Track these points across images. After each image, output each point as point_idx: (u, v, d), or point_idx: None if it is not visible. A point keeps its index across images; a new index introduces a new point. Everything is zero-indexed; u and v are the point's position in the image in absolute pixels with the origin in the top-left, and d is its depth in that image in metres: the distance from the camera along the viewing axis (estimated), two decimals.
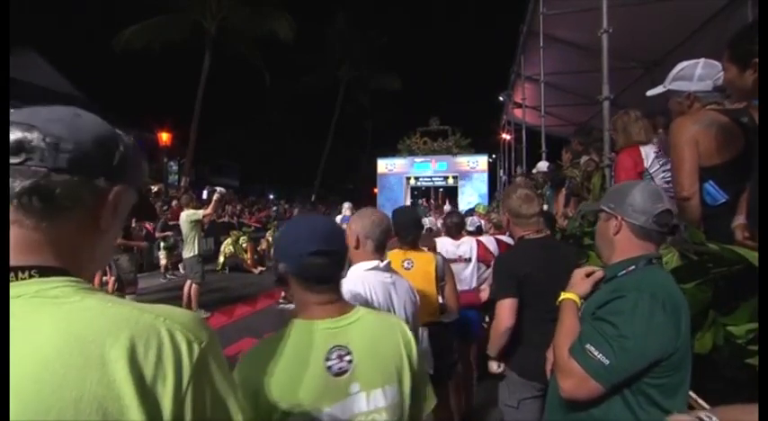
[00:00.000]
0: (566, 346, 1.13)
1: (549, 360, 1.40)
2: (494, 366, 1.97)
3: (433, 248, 3.07)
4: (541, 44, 5.27)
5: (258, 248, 10.41)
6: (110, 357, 0.42)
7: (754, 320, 1.17)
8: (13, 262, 0.47)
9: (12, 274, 0.46)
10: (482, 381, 3.35)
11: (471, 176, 16.47)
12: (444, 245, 3.23)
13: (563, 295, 1.30)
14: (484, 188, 16.20)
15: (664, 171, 2.37)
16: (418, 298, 1.74)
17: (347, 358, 0.98)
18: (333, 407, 0.94)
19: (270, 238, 10.07)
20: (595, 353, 1.04)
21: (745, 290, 1.23)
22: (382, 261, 1.59)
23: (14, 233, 0.48)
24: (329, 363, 0.96)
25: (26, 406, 0.38)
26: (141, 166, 0.64)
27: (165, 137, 15.49)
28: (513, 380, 1.89)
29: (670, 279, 1.19)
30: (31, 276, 0.47)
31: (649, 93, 2.09)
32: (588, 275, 1.31)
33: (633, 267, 1.18)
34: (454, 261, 3.13)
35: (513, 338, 1.85)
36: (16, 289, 0.45)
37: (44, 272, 0.48)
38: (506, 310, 1.79)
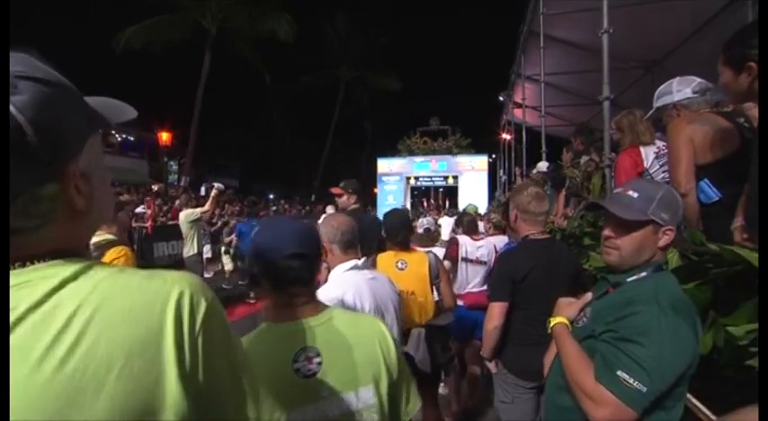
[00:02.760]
0: (586, 373, 1.07)
1: (545, 364, 1.40)
2: (491, 366, 2.00)
3: (455, 244, 3.32)
4: (541, 44, 5.26)
5: None
6: (156, 309, 0.50)
7: (754, 321, 1.17)
8: (25, 253, 0.49)
9: (27, 262, 0.49)
10: (485, 380, 3.37)
11: (471, 176, 16.47)
12: (465, 244, 3.33)
13: (553, 321, 1.27)
14: (484, 188, 16.19)
15: (664, 171, 2.36)
16: (396, 287, 1.81)
17: (316, 360, 0.96)
18: (303, 411, 0.92)
19: None
20: (631, 382, 0.99)
21: (745, 290, 1.23)
22: (359, 259, 1.66)
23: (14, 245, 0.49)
24: (297, 365, 0.94)
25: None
26: (80, 107, 0.56)
27: (165, 137, 15.52)
28: (507, 378, 1.93)
29: (677, 283, 1.18)
30: (45, 260, 0.50)
31: (644, 118, 2.39)
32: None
33: (645, 274, 1.14)
34: (472, 262, 3.27)
35: (507, 338, 1.91)
36: (41, 271, 0.49)
37: (56, 255, 0.51)
38: (495, 312, 1.88)
